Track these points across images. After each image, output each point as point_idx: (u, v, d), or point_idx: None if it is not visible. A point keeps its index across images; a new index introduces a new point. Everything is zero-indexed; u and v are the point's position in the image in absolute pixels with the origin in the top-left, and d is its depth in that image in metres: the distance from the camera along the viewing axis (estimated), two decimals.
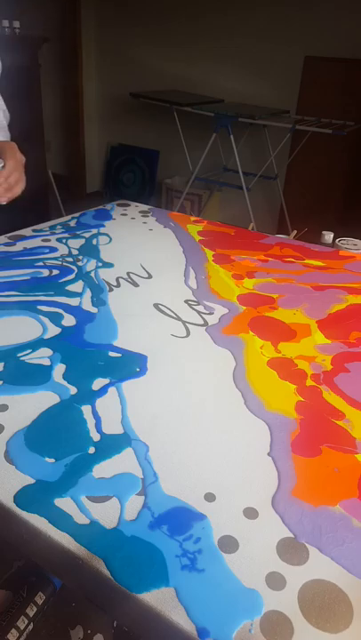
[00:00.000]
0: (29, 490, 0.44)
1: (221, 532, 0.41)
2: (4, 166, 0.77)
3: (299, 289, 0.83)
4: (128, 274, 0.85)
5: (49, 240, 0.96)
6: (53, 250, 0.92)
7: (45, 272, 0.83)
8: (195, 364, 0.63)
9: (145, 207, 1.17)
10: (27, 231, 0.99)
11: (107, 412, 0.53)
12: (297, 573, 0.38)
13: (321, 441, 0.51)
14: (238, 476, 0.46)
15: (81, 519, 0.41)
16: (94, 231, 1.02)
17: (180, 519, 0.42)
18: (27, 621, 0.49)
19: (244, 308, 0.76)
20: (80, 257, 0.90)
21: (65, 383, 0.57)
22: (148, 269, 0.87)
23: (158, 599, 0.36)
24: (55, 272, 0.83)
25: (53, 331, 0.67)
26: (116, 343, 0.65)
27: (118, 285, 0.81)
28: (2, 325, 0.68)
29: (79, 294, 0.77)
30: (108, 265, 0.88)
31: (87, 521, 0.41)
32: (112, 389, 0.57)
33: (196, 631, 0.34)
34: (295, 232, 1.36)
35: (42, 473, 0.45)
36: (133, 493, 0.44)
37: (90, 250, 0.93)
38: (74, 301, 0.75)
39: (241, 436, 0.51)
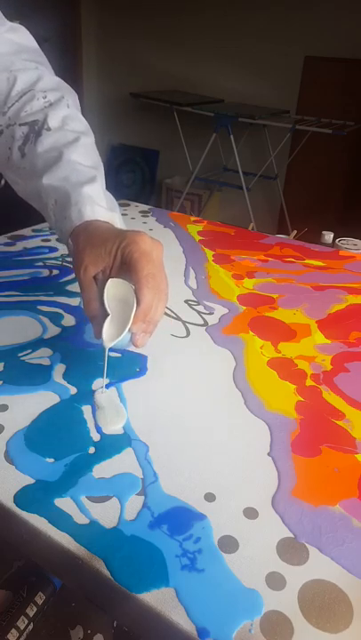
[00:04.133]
0: (29, 490, 0.44)
1: (221, 532, 0.41)
2: (137, 303, 0.49)
3: (299, 289, 0.83)
4: None
5: (49, 240, 0.96)
6: (53, 250, 0.92)
7: (45, 272, 0.83)
8: (195, 363, 0.63)
9: (145, 207, 1.17)
10: (27, 231, 0.99)
11: None
12: (297, 573, 0.38)
13: (321, 441, 0.51)
14: (238, 476, 0.46)
15: (81, 519, 0.41)
16: None
17: (180, 519, 0.42)
18: (27, 621, 0.49)
19: (244, 308, 0.76)
20: None
21: (65, 383, 0.57)
22: None
23: (158, 599, 0.36)
24: (55, 272, 0.83)
25: (53, 331, 0.67)
26: None
27: None
28: (2, 325, 0.68)
29: (79, 294, 0.77)
30: None
31: (87, 521, 0.41)
32: (112, 389, 0.57)
33: (196, 631, 0.34)
34: (295, 232, 1.36)
35: (42, 473, 0.45)
36: (133, 493, 0.44)
37: None
38: (74, 301, 0.75)
39: (241, 436, 0.51)
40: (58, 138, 0.59)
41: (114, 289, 0.51)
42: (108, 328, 0.50)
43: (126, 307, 0.49)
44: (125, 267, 0.50)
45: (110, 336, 0.50)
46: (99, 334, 0.50)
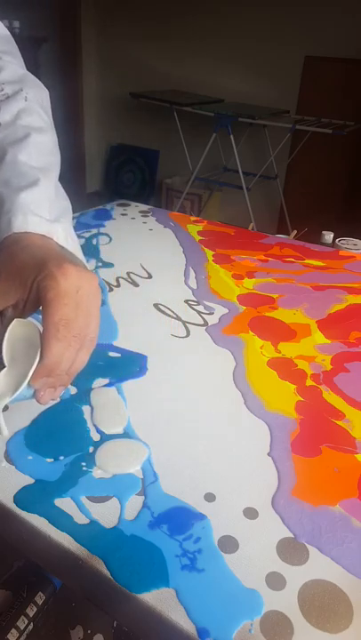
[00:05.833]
0: (29, 490, 0.44)
1: (221, 532, 0.41)
2: (40, 356, 0.39)
3: (299, 289, 0.83)
4: (128, 274, 0.85)
5: None
6: None
7: None
8: (195, 364, 0.63)
9: (145, 207, 1.17)
10: None
11: None
12: (297, 573, 0.38)
13: (321, 441, 0.51)
14: (238, 476, 0.46)
15: (81, 519, 0.41)
16: (94, 231, 1.02)
17: (180, 519, 0.42)
18: (27, 621, 0.49)
19: (244, 307, 0.76)
20: None
21: None
22: (148, 269, 0.87)
23: (158, 599, 0.36)
24: None
25: None
26: (115, 343, 0.65)
27: (118, 285, 0.81)
28: None
29: None
30: (108, 265, 0.88)
31: (87, 521, 0.41)
32: (112, 389, 0.57)
33: (196, 631, 0.34)
34: (295, 232, 1.36)
35: (42, 473, 0.45)
36: (133, 493, 0.44)
37: (90, 250, 0.93)
38: None
39: (241, 436, 0.51)
40: (6, 135, 0.51)
41: (20, 330, 0.41)
42: (4, 379, 0.41)
43: (33, 353, 0.40)
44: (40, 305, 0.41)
45: (2, 391, 0.41)
46: None
